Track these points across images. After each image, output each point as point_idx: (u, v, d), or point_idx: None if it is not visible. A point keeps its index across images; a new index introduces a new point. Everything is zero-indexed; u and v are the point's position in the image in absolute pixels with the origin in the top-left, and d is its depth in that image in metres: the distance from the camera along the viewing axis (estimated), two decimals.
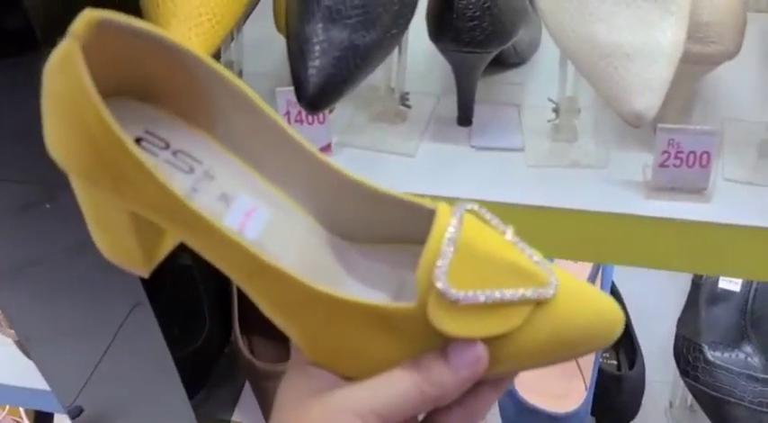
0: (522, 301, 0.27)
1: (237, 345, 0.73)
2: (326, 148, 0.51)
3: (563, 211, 0.46)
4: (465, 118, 0.53)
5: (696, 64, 0.45)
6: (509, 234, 0.29)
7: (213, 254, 0.28)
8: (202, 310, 0.72)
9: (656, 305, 0.81)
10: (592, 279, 0.76)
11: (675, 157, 0.44)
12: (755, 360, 0.69)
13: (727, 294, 0.72)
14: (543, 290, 0.27)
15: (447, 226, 0.27)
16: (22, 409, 1.02)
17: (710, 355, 0.67)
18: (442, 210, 0.28)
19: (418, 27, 0.48)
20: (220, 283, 0.74)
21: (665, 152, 0.44)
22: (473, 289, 0.27)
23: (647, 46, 0.39)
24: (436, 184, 0.49)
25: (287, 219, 0.31)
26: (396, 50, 0.49)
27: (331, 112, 0.50)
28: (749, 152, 0.48)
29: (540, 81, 0.58)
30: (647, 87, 0.38)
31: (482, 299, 0.27)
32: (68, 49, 0.24)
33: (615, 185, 0.47)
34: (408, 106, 0.54)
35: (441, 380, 0.27)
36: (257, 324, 0.74)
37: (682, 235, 0.45)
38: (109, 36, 0.25)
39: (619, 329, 0.29)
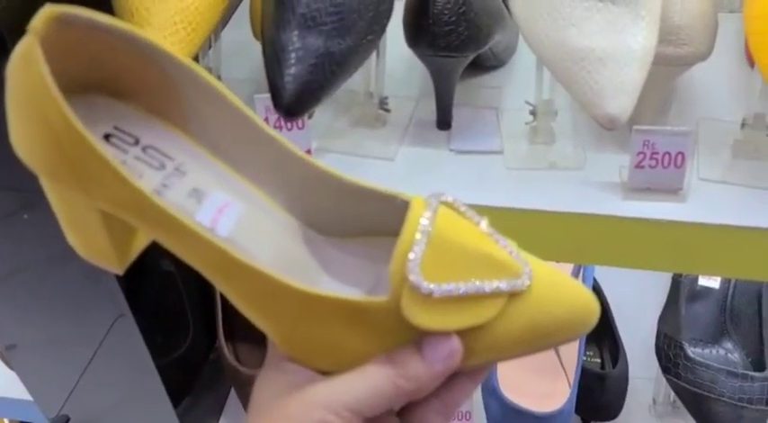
0: (497, 293, 0.27)
1: (222, 351, 0.73)
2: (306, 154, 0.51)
3: (541, 213, 0.47)
4: (444, 121, 0.53)
5: (669, 66, 0.45)
6: (483, 225, 0.29)
7: (185, 251, 0.28)
8: (186, 316, 0.72)
9: (638, 303, 0.82)
10: (573, 278, 0.77)
11: (651, 158, 0.45)
12: (735, 356, 0.70)
13: (707, 291, 0.73)
14: (518, 281, 0.27)
15: (420, 218, 0.27)
16: (6, 420, 1.01)
17: (691, 351, 0.67)
18: (416, 202, 0.28)
19: (396, 32, 0.49)
20: (204, 289, 0.74)
21: (640, 153, 0.44)
22: (447, 281, 0.27)
23: (619, 50, 0.40)
24: (416, 187, 0.48)
25: (261, 214, 0.31)
26: (374, 55, 0.49)
27: (310, 117, 0.50)
28: (724, 152, 0.49)
29: (518, 84, 0.58)
30: (620, 91, 0.39)
31: (456, 291, 0.27)
32: (28, 45, 0.24)
33: (592, 187, 0.48)
34: (387, 110, 0.54)
35: (415, 374, 0.27)
36: (242, 330, 0.74)
37: (658, 235, 0.45)
38: (72, 32, 0.25)
39: (594, 318, 0.29)
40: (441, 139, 0.53)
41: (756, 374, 0.66)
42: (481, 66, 0.59)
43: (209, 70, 0.54)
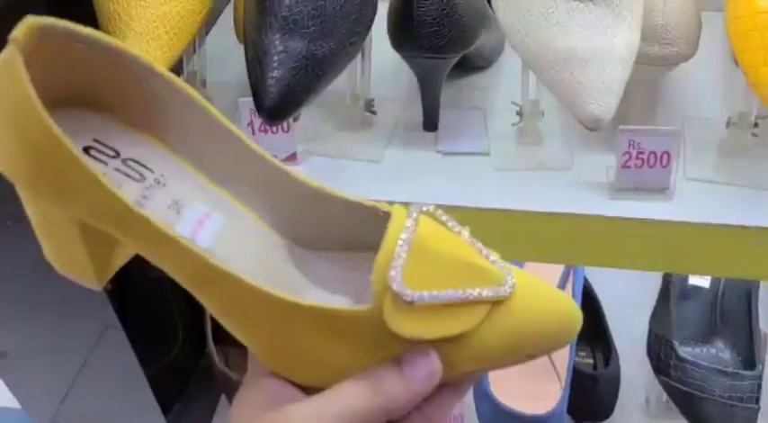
0: (479, 301, 0.27)
1: (212, 357, 0.72)
2: (292, 157, 0.50)
3: (529, 214, 0.47)
4: (430, 123, 0.53)
5: (654, 65, 0.45)
6: (465, 234, 0.29)
7: (166, 262, 0.28)
8: (175, 322, 0.72)
9: (630, 303, 0.82)
10: (564, 279, 0.77)
11: (637, 158, 0.45)
12: (726, 354, 0.70)
13: (697, 290, 0.73)
14: (500, 289, 0.27)
15: (401, 228, 0.27)
16: None
17: (682, 351, 0.68)
18: (397, 212, 0.28)
19: (381, 34, 0.49)
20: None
21: (626, 153, 0.44)
22: (429, 289, 0.27)
23: (602, 50, 0.40)
24: (403, 190, 0.49)
25: (241, 225, 0.31)
26: (359, 57, 0.49)
27: (296, 120, 0.50)
28: (710, 151, 0.49)
29: (505, 85, 0.58)
30: (603, 91, 0.39)
31: (438, 299, 0.27)
32: (9, 55, 0.24)
33: (580, 187, 0.48)
34: (374, 113, 0.54)
35: (394, 394, 0.27)
36: (231, 335, 0.74)
37: (645, 234, 0.45)
38: (52, 43, 0.25)
39: (577, 326, 0.29)
40: (428, 140, 0.53)
41: (746, 373, 0.66)
42: (467, 67, 0.59)
43: (195, 75, 0.54)
